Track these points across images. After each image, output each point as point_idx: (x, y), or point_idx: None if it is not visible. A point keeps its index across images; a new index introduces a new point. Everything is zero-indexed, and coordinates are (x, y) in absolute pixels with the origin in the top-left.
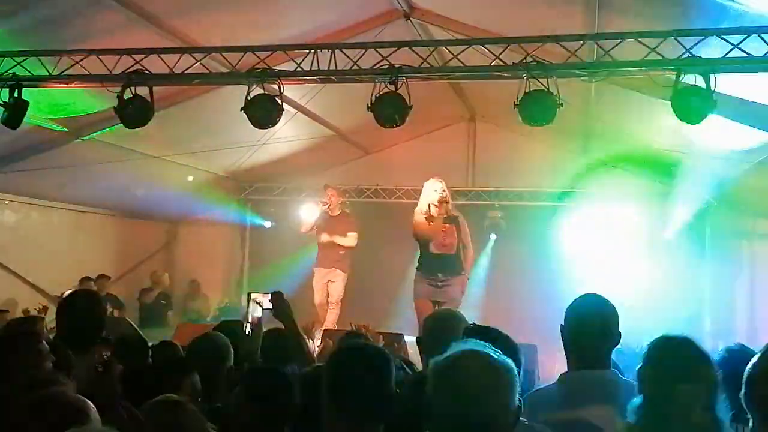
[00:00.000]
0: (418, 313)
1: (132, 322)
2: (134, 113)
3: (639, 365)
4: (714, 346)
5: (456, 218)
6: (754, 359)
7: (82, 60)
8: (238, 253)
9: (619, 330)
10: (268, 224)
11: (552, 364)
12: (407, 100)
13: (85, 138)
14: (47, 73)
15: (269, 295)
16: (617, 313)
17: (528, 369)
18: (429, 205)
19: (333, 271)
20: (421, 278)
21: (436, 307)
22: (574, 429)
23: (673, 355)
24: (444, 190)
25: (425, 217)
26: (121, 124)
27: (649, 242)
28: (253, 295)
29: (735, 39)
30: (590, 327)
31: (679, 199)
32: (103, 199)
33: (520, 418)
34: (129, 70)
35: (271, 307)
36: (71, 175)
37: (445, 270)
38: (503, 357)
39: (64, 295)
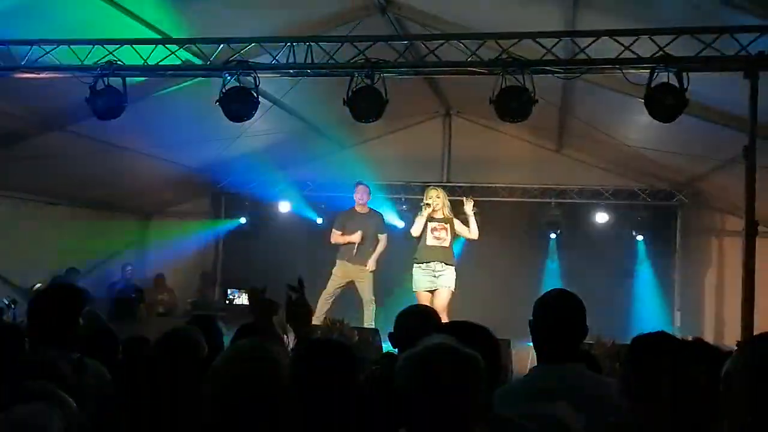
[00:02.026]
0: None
1: (101, 317)
2: (107, 105)
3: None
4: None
5: (451, 219)
6: (733, 357)
7: (53, 50)
8: (211, 247)
9: (587, 324)
10: (242, 218)
11: (525, 359)
12: (383, 95)
13: (56, 129)
14: (18, 63)
15: (247, 292)
16: (584, 307)
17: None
18: (422, 207)
19: (362, 270)
20: (419, 270)
21: (433, 296)
22: (542, 422)
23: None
24: (430, 198)
25: (419, 215)
26: (93, 116)
27: (620, 238)
28: (229, 291)
29: (708, 38)
30: (558, 321)
31: (651, 196)
32: (74, 192)
33: (497, 412)
34: (101, 61)
35: (247, 302)
36: (42, 167)
37: (440, 259)
38: (469, 350)
39: (35, 288)
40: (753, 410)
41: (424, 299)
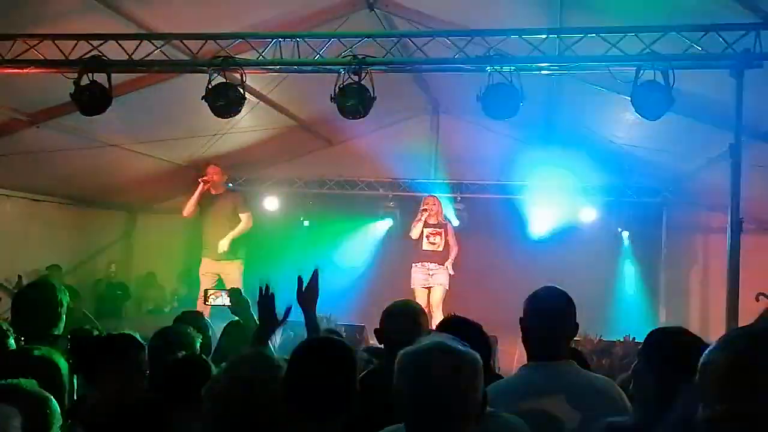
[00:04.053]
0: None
1: (87, 314)
2: (91, 100)
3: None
4: None
5: (445, 224)
6: (711, 347)
7: (37, 45)
8: (198, 243)
9: (577, 321)
10: None
11: (512, 356)
12: (371, 92)
13: (41, 125)
14: (0, 58)
15: (227, 292)
16: (574, 304)
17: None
18: (420, 213)
19: (224, 264)
20: (416, 268)
21: (429, 292)
22: (533, 420)
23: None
24: (427, 204)
25: (417, 221)
26: (78, 111)
27: (607, 235)
28: (210, 292)
29: (694, 36)
30: (548, 319)
31: (637, 193)
32: (59, 188)
33: (489, 408)
34: (86, 56)
35: (229, 303)
36: (26, 163)
37: (435, 260)
38: (467, 348)
39: (13, 284)
40: (722, 401)
41: (421, 295)
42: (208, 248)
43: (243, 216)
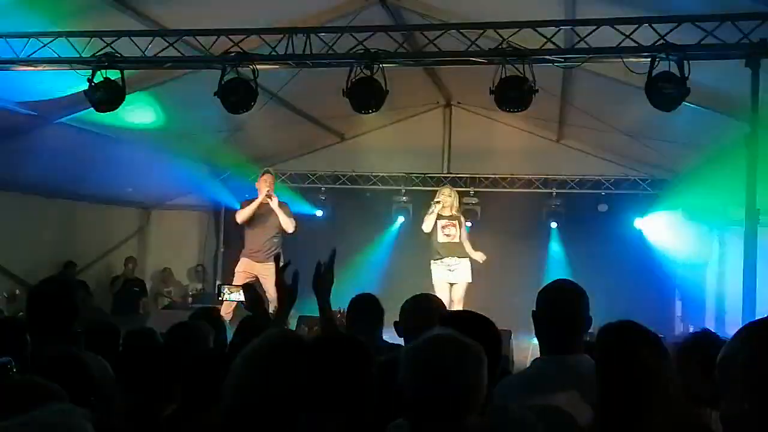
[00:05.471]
0: None
1: (104, 310)
2: (105, 97)
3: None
4: (684, 330)
5: (458, 217)
6: (731, 340)
7: (50, 42)
8: (212, 239)
9: (590, 315)
10: None
11: (526, 350)
12: (383, 86)
13: (55, 122)
14: (14, 56)
15: (241, 287)
16: (587, 297)
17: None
18: (432, 204)
19: (266, 266)
20: (437, 265)
21: (452, 288)
22: (546, 414)
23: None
24: (442, 195)
25: (429, 213)
26: (92, 108)
27: (621, 228)
28: (224, 288)
29: (709, 26)
30: (561, 312)
31: (652, 186)
32: (74, 185)
33: (499, 402)
34: (99, 53)
35: (243, 299)
36: (41, 160)
37: (454, 254)
38: (471, 340)
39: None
40: (749, 397)
41: (443, 291)
42: (253, 251)
43: (290, 221)
